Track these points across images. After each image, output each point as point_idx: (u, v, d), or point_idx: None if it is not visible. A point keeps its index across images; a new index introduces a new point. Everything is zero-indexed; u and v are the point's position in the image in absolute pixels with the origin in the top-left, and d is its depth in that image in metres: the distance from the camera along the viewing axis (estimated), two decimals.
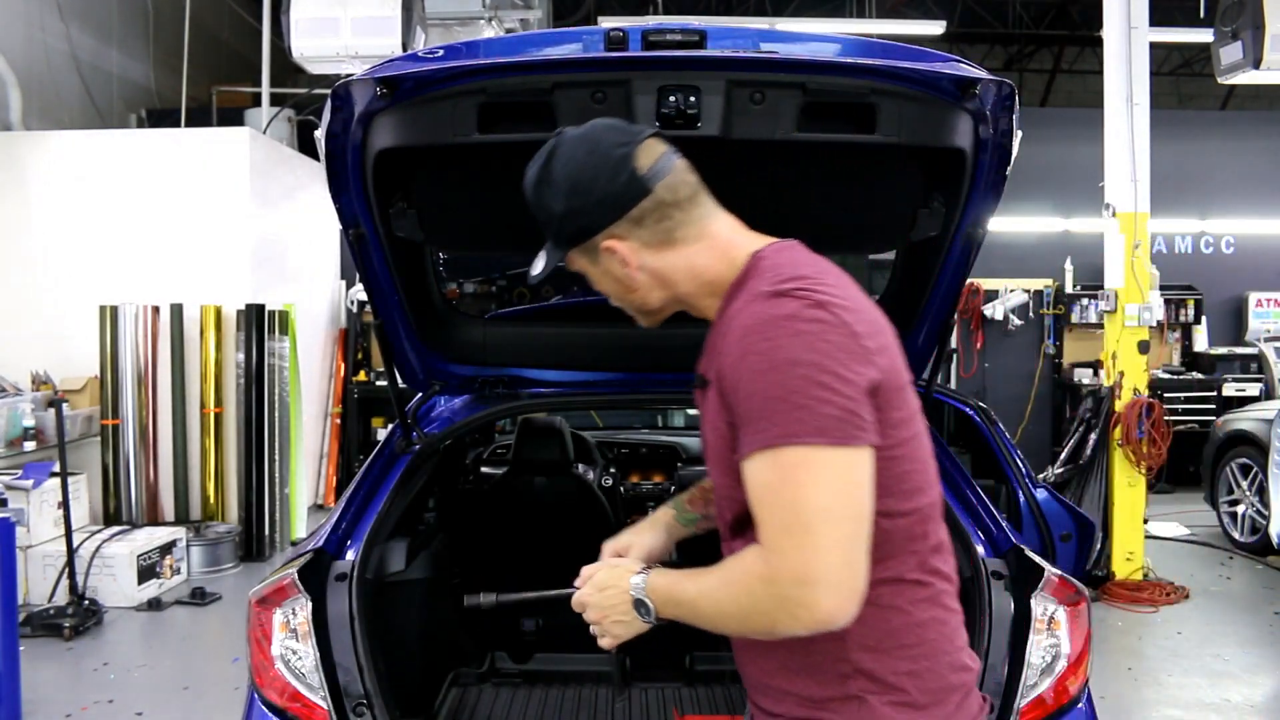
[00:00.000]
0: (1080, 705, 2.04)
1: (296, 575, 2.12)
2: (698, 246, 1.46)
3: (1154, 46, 6.50)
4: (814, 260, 1.42)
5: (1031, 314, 9.49)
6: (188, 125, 8.28)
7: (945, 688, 1.38)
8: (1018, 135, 1.97)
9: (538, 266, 1.52)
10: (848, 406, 1.25)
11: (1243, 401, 8.49)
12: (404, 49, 5.82)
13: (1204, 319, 9.52)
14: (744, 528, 1.41)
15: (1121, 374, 5.98)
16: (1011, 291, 9.39)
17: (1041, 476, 5.41)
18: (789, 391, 1.24)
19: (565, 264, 1.54)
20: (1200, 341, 9.49)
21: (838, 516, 1.24)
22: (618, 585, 1.48)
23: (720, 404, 1.36)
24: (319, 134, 2.00)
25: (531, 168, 1.47)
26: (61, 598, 5.38)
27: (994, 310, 9.35)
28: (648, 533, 1.77)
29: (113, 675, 4.64)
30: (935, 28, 10.96)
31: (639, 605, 1.46)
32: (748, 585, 1.28)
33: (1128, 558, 5.99)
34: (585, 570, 1.55)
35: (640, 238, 1.45)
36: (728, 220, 1.50)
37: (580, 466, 4.39)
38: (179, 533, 6.18)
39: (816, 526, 1.23)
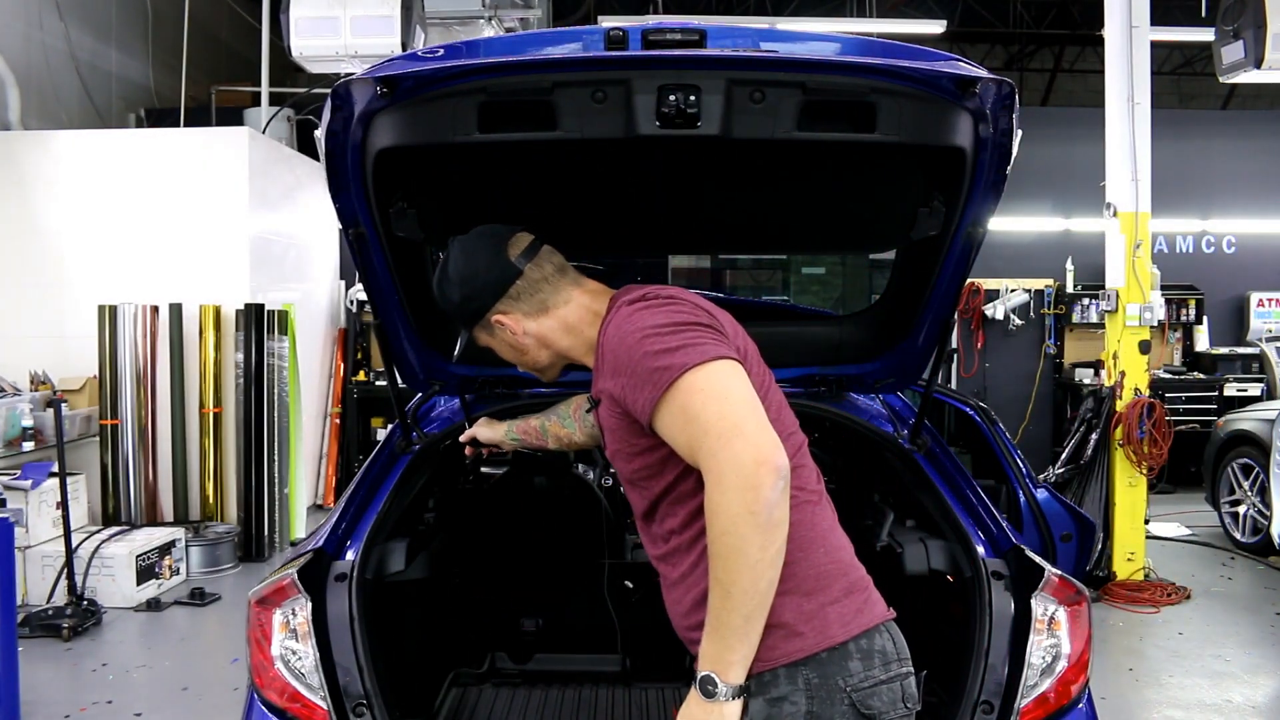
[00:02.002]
0: (1081, 706, 2.04)
1: (296, 575, 2.11)
2: (567, 308, 1.82)
3: (1155, 46, 6.49)
4: (665, 287, 1.70)
5: (1032, 314, 9.48)
6: (187, 125, 8.28)
7: (823, 574, 1.61)
8: (1018, 134, 1.96)
9: (459, 346, 1.95)
10: (711, 336, 1.55)
11: (1244, 401, 8.49)
12: (404, 48, 5.82)
13: (1205, 319, 9.52)
14: (646, 520, 1.75)
15: (1123, 374, 5.97)
16: (1012, 291, 9.39)
17: (1042, 476, 5.41)
18: (661, 345, 1.53)
19: (475, 341, 1.91)
20: (1201, 341, 9.49)
21: (737, 399, 1.48)
22: (703, 706, 1.51)
23: (611, 407, 1.65)
24: (319, 133, 1.99)
25: (435, 274, 1.86)
26: (60, 598, 5.38)
27: (994, 310, 9.34)
28: (487, 426, 2.55)
29: (112, 676, 4.63)
30: (936, 27, 10.96)
31: (708, 692, 1.49)
32: (726, 524, 1.42)
33: (1129, 558, 5.99)
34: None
35: (520, 309, 1.82)
36: (591, 285, 1.85)
37: (580, 466, 4.38)
38: (178, 533, 6.18)
39: (726, 413, 1.46)
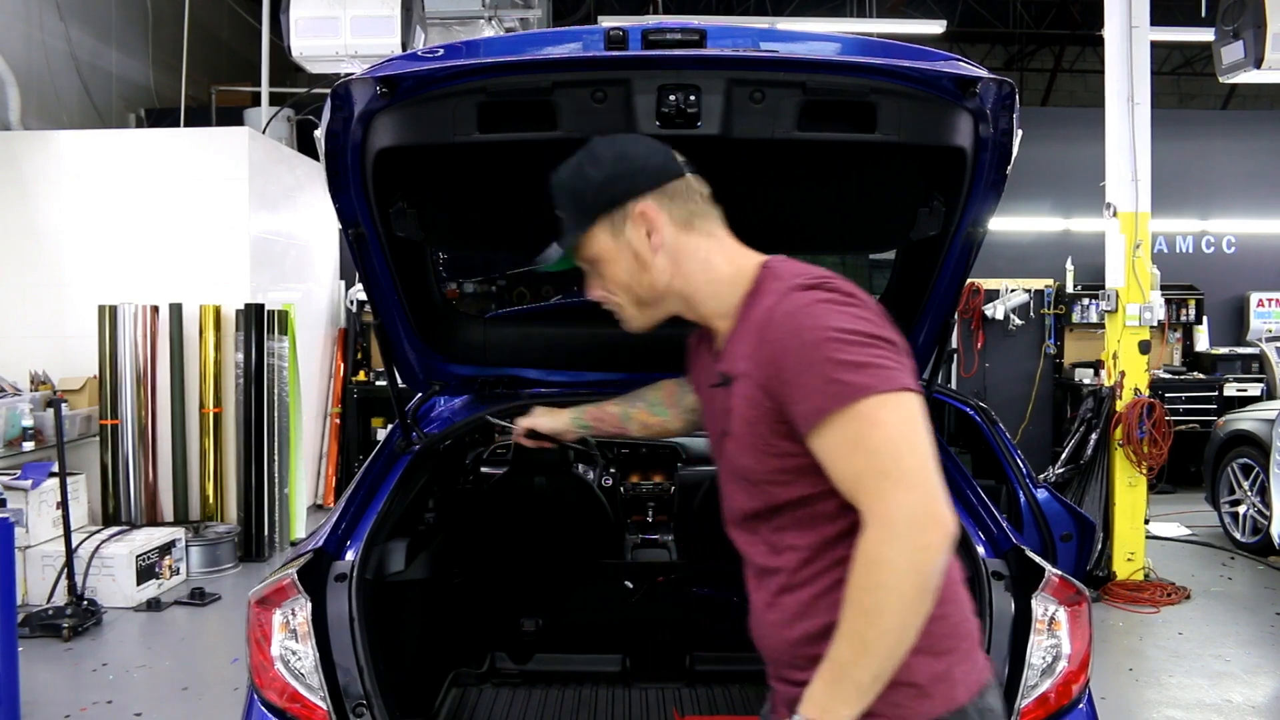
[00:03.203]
0: (1081, 706, 2.04)
1: (296, 575, 2.11)
2: (711, 242, 1.58)
3: (1155, 46, 6.49)
4: (815, 267, 1.52)
5: (1032, 314, 9.48)
6: (187, 125, 8.27)
7: (957, 633, 1.48)
8: (1018, 134, 1.96)
9: (552, 252, 1.63)
10: (897, 359, 1.39)
11: (1244, 401, 8.48)
12: (404, 48, 5.82)
13: (1205, 319, 9.51)
14: (755, 521, 1.54)
15: (1122, 374, 5.97)
16: (1012, 291, 9.38)
17: (1042, 476, 5.41)
18: (847, 355, 1.36)
19: (575, 256, 1.62)
20: (1201, 341, 9.48)
21: (919, 445, 1.34)
22: None
23: (754, 395, 1.45)
24: (319, 133, 2.00)
25: (574, 157, 1.59)
26: (60, 598, 5.38)
27: (994, 310, 9.34)
28: (546, 414, 2.25)
29: (112, 676, 4.63)
30: (936, 27, 10.96)
31: None
32: (886, 578, 1.31)
33: (1129, 558, 5.98)
34: None
35: (670, 212, 1.55)
36: (730, 235, 1.62)
37: (580, 466, 4.39)
38: (178, 533, 6.18)
39: (905, 457, 1.33)
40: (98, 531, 5.94)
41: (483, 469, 4.15)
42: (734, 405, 1.50)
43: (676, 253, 1.56)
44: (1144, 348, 5.98)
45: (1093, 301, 8.99)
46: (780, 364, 1.40)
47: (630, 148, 1.58)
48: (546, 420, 2.29)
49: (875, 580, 1.31)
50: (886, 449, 1.33)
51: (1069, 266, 9.34)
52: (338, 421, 8.59)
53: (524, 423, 2.31)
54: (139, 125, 8.98)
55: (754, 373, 1.45)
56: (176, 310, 6.68)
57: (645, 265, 1.57)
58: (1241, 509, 6.87)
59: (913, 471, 1.32)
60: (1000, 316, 9.35)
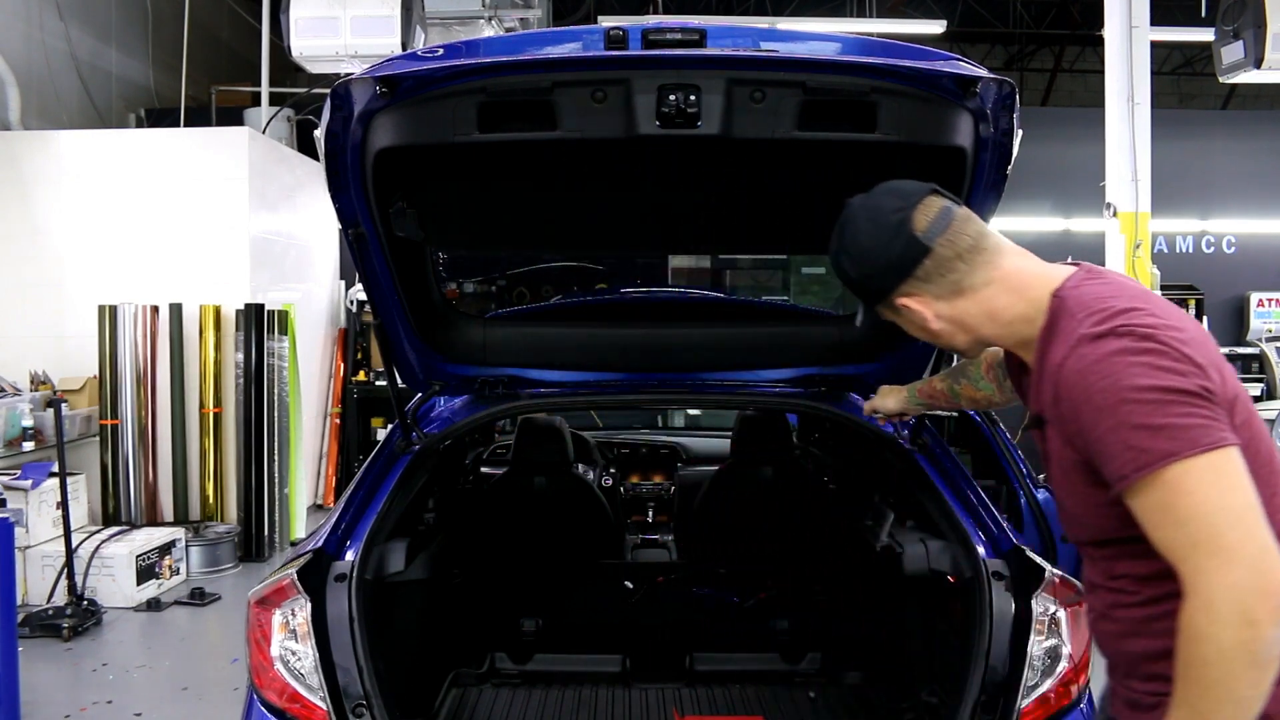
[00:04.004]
0: (1081, 706, 2.04)
1: (296, 576, 2.11)
2: (989, 290, 1.51)
3: (1155, 46, 6.49)
4: (1116, 288, 1.44)
5: None
6: (187, 125, 8.27)
7: None
8: (1018, 134, 1.96)
9: (859, 318, 1.65)
10: (1204, 414, 1.29)
11: None
12: (404, 48, 5.82)
13: (1205, 319, 9.50)
14: (1087, 546, 1.52)
15: None
16: None
17: (1042, 477, 5.40)
18: (1144, 418, 1.28)
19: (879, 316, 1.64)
20: None
21: (1236, 510, 1.26)
22: None
23: (1064, 444, 1.42)
24: (319, 133, 1.99)
25: (831, 242, 1.58)
26: (60, 598, 5.37)
27: None
28: (890, 395, 2.35)
29: (112, 676, 4.63)
30: (936, 27, 10.96)
31: None
32: (1211, 655, 1.24)
33: None
34: None
35: (930, 292, 1.52)
36: (1015, 258, 1.53)
37: (580, 466, 4.39)
38: (178, 533, 6.18)
39: (1220, 527, 1.24)
40: (98, 531, 5.94)
41: (483, 469, 4.15)
42: (1050, 449, 1.49)
43: (955, 320, 1.54)
44: None
45: None
46: (1078, 423, 1.36)
47: (864, 241, 1.53)
48: (889, 401, 2.40)
49: (1200, 656, 1.25)
50: (1197, 519, 1.25)
51: None
52: (338, 421, 8.59)
53: (870, 405, 2.46)
54: (139, 125, 8.97)
55: (1058, 424, 1.42)
56: (176, 310, 6.68)
57: (933, 334, 1.58)
58: None
59: (1231, 545, 1.23)
60: None
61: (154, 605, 5.61)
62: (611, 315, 3.33)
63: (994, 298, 1.51)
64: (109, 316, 6.54)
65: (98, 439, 6.53)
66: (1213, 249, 9.86)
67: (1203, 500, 1.25)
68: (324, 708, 1.99)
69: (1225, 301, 9.74)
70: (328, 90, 1.90)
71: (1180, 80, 16.27)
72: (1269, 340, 9.21)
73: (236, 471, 6.71)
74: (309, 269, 8.17)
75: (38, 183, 6.81)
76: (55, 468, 5.44)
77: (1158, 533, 1.30)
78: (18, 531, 4.80)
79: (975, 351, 1.65)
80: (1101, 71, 6.14)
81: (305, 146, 8.36)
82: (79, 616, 5.17)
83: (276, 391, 6.86)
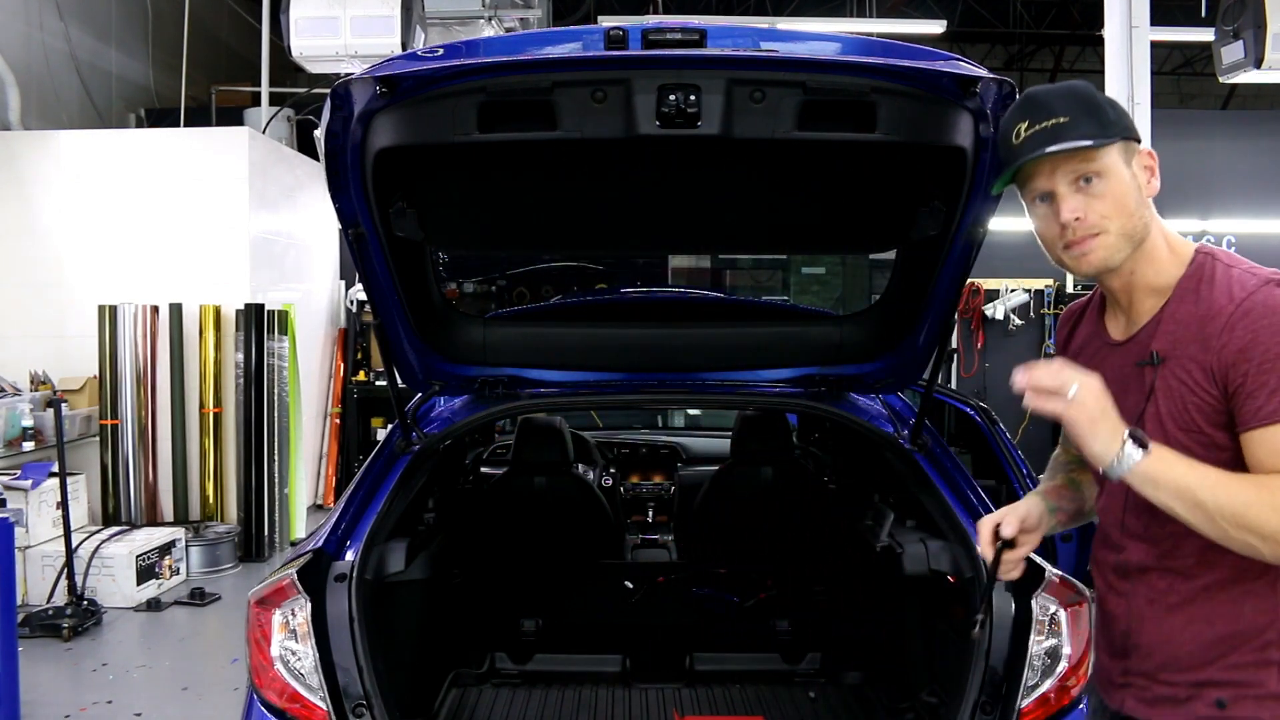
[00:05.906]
0: (1081, 706, 2.04)
1: (296, 576, 2.11)
2: (1155, 221, 1.56)
3: (1155, 46, 6.49)
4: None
5: (1032, 314, 9.47)
6: (187, 125, 8.27)
7: None
8: None
9: (1061, 144, 1.48)
10: None
11: None
12: (403, 48, 5.81)
13: None
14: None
15: None
16: (1012, 291, 9.38)
17: (1042, 477, 5.39)
18: None
19: (1073, 168, 1.49)
20: None
21: None
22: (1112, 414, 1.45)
23: (1196, 381, 1.46)
24: (318, 133, 1.99)
25: (1085, 87, 1.54)
26: (60, 598, 5.37)
27: (994, 310, 9.33)
28: (1024, 503, 1.82)
29: (112, 676, 4.63)
30: (936, 27, 10.96)
31: (1134, 437, 1.42)
32: (1266, 517, 1.33)
33: None
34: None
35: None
36: None
37: (580, 466, 4.39)
38: (178, 533, 6.18)
39: None
40: (98, 531, 5.94)
41: (483, 469, 4.15)
42: (1161, 385, 1.51)
43: (1149, 206, 1.54)
44: None
45: None
46: (1250, 353, 1.41)
47: (1109, 100, 1.57)
48: (1027, 525, 1.77)
49: (1260, 516, 1.33)
50: None
51: None
52: (338, 421, 8.59)
53: (1003, 532, 1.73)
54: (139, 125, 8.97)
55: (1203, 359, 1.45)
56: (176, 310, 6.68)
57: (1143, 203, 1.53)
58: None
59: None
60: (1000, 316, 9.34)
61: (154, 605, 5.61)
62: (611, 315, 3.33)
63: (1156, 223, 1.55)
64: (109, 316, 6.54)
65: (98, 439, 6.53)
66: None
67: None
68: (324, 708, 1.99)
69: None
70: (328, 90, 1.90)
71: (1180, 80, 16.26)
72: None
73: (236, 471, 6.71)
74: (309, 269, 8.17)
75: (38, 183, 6.82)
76: (55, 468, 5.44)
77: None
78: (18, 531, 4.81)
79: (1117, 255, 1.53)
80: (1101, 71, 6.14)
81: (305, 146, 8.36)
82: (79, 616, 5.17)
83: (276, 391, 6.86)
